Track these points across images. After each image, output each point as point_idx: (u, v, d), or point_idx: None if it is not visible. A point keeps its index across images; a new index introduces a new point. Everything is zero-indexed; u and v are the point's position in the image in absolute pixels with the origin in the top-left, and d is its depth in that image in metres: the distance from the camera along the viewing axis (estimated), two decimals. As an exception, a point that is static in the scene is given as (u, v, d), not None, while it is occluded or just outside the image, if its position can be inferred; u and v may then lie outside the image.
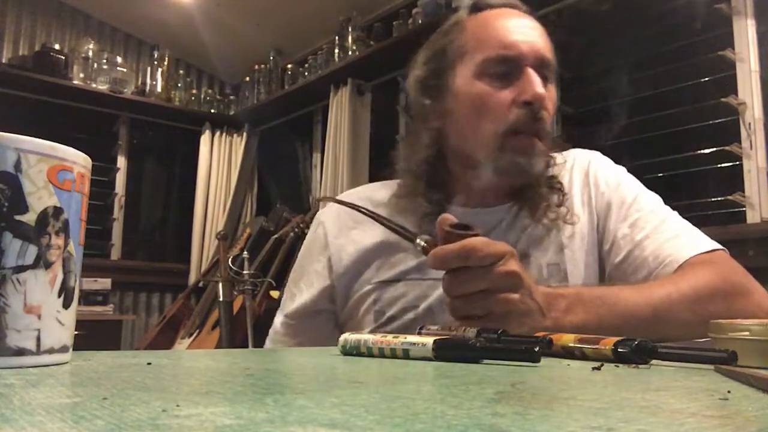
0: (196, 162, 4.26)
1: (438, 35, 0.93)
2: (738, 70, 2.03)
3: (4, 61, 3.73)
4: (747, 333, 0.45)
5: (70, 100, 3.89)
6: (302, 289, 0.93)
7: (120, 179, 4.18)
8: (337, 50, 3.49)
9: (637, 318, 0.70)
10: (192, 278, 4.05)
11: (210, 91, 4.45)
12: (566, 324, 0.66)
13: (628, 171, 0.95)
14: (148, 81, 4.18)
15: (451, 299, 0.64)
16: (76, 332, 0.41)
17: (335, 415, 0.22)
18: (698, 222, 0.86)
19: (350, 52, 3.40)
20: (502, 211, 0.89)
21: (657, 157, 2.16)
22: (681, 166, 2.14)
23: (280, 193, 4.24)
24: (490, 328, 0.55)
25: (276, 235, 3.43)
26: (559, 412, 0.24)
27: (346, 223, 0.93)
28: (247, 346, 2.89)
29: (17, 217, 0.36)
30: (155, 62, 4.19)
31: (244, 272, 3.14)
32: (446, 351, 0.47)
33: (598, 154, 0.96)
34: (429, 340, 0.47)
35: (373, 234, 0.89)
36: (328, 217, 0.96)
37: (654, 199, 0.88)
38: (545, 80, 0.85)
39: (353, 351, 0.51)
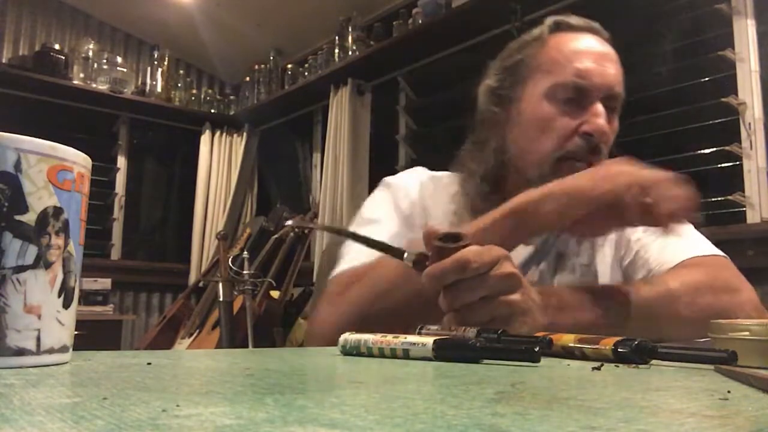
0: (196, 162, 4.27)
1: (515, 47, 0.95)
2: (738, 70, 2.03)
3: (4, 61, 3.73)
4: (747, 333, 0.45)
5: (70, 100, 3.89)
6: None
7: (120, 179, 4.18)
8: (337, 50, 3.49)
9: (626, 313, 0.71)
10: (192, 278, 4.05)
11: (210, 91, 4.45)
12: (561, 321, 0.67)
13: None
14: (148, 81, 4.18)
15: (453, 312, 0.63)
16: (76, 332, 0.41)
17: (335, 415, 0.22)
18: (698, 222, 0.87)
19: (350, 52, 3.40)
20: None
21: (657, 157, 2.16)
22: (681, 166, 2.14)
23: (280, 193, 4.24)
24: (490, 328, 0.55)
25: (276, 235, 3.43)
26: (559, 412, 0.24)
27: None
28: (247, 346, 2.89)
29: (17, 217, 0.36)
30: (155, 62, 4.19)
31: (244, 272, 3.14)
32: (446, 351, 0.47)
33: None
34: (429, 340, 0.47)
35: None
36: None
37: None
38: (612, 111, 0.87)
39: (353, 351, 0.51)
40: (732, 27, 2.06)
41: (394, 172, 1.01)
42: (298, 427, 0.20)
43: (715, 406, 0.27)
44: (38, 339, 0.37)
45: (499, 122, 0.92)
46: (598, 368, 0.43)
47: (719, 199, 2.02)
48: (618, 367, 0.45)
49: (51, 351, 0.38)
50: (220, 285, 3.10)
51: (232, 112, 4.36)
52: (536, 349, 0.43)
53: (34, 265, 0.37)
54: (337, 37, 3.49)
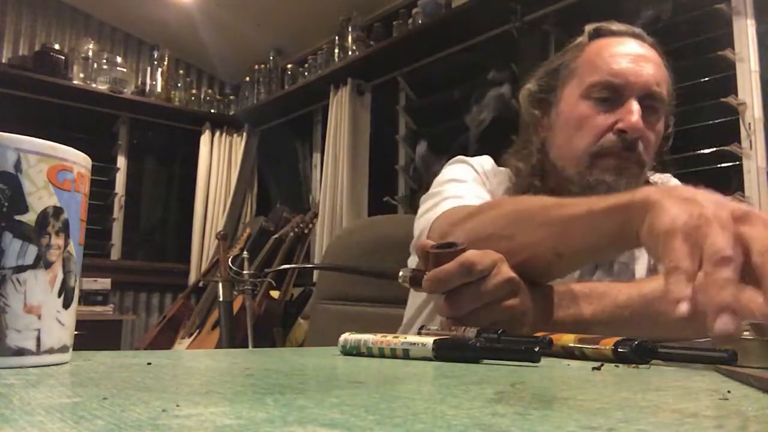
0: (196, 162, 4.27)
1: (557, 54, 1.00)
2: (738, 70, 2.03)
3: (4, 61, 3.73)
4: (746, 333, 0.45)
5: (70, 100, 3.89)
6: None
7: (120, 179, 4.18)
8: (337, 50, 3.49)
9: (629, 309, 0.71)
10: (192, 278, 4.05)
11: (210, 91, 4.45)
12: (560, 318, 0.67)
13: None
14: (148, 81, 4.18)
15: (453, 319, 0.64)
16: (76, 332, 0.41)
17: (335, 415, 0.22)
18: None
19: (350, 52, 3.40)
20: None
21: (657, 156, 2.16)
22: (681, 166, 2.14)
23: (280, 193, 4.24)
24: (490, 328, 0.55)
25: (276, 235, 3.43)
26: (559, 412, 0.24)
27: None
28: (247, 346, 2.89)
29: (17, 217, 0.36)
30: (155, 62, 4.19)
31: (244, 272, 3.14)
32: (446, 351, 0.47)
33: (669, 175, 1.03)
34: (429, 340, 0.47)
35: None
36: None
37: None
38: (652, 111, 0.89)
39: (353, 351, 0.51)
40: (732, 27, 2.06)
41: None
42: (298, 427, 0.20)
43: (715, 406, 0.27)
44: (38, 339, 0.37)
45: (540, 124, 0.96)
46: (598, 368, 0.43)
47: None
48: (618, 367, 0.45)
49: (51, 351, 0.38)
50: (220, 285, 3.10)
51: (232, 112, 4.36)
52: (536, 349, 0.43)
53: (34, 265, 0.37)
54: (337, 37, 3.49)
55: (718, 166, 2.05)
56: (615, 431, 0.20)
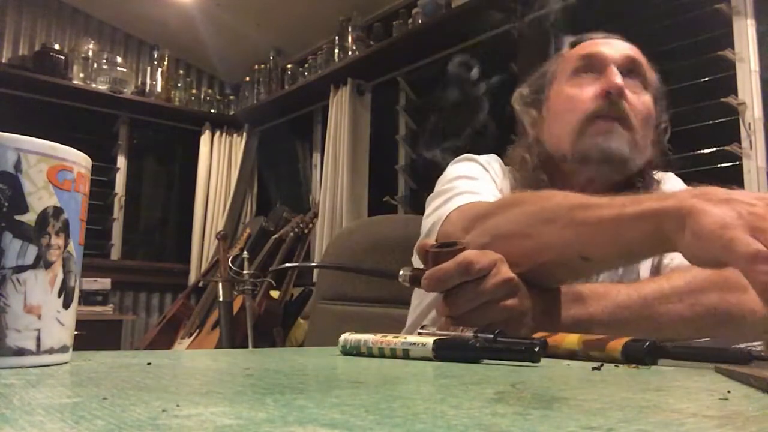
0: (196, 162, 4.27)
1: (544, 64, 1.06)
2: (738, 70, 2.03)
3: (4, 61, 3.73)
4: None
5: (70, 100, 3.89)
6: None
7: (120, 179, 4.18)
8: (337, 50, 3.49)
9: (628, 310, 0.70)
10: (192, 278, 4.05)
11: (210, 91, 4.45)
12: (561, 319, 0.67)
13: None
14: (148, 81, 4.18)
15: (451, 318, 0.63)
16: (76, 332, 0.41)
17: (335, 415, 0.22)
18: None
19: (350, 52, 3.40)
20: None
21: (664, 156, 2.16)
22: (681, 166, 2.14)
23: (280, 193, 4.24)
24: (487, 329, 0.55)
25: (276, 235, 3.43)
26: (559, 412, 0.24)
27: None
28: (247, 346, 2.89)
29: (17, 217, 0.36)
30: (155, 62, 4.19)
31: (244, 272, 3.14)
32: (446, 351, 0.47)
33: (672, 175, 1.06)
34: (429, 340, 0.47)
35: None
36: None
37: None
38: (634, 82, 0.93)
39: (353, 351, 0.51)
40: (732, 27, 2.06)
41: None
42: (298, 427, 0.20)
43: (715, 406, 0.27)
44: (38, 339, 0.37)
45: (535, 121, 1.01)
46: (598, 368, 0.43)
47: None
48: (618, 367, 0.45)
49: (51, 351, 0.38)
50: (220, 285, 3.10)
51: (232, 112, 4.36)
52: (536, 348, 0.43)
53: (34, 265, 0.37)
54: (337, 37, 3.49)
55: (718, 166, 2.05)
56: (615, 431, 0.20)
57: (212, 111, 4.37)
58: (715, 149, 2.05)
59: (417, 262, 0.89)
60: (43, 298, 0.37)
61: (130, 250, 4.21)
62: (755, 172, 1.96)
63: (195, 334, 3.28)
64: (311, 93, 3.70)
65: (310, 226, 3.50)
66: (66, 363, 0.39)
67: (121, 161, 4.20)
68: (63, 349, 0.39)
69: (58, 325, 0.38)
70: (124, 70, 4.03)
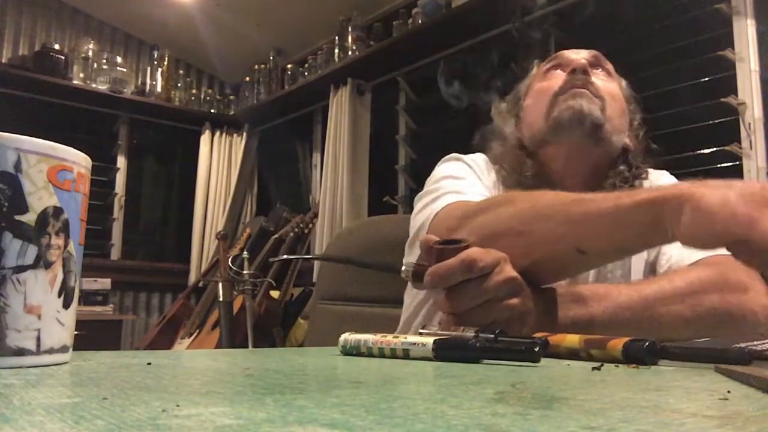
0: (196, 162, 4.27)
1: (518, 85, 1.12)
2: (738, 70, 2.03)
3: (4, 61, 3.73)
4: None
5: (70, 100, 3.89)
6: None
7: (120, 179, 4.18)
8: (337, 50, 3.49)
9: (629, 310, 0.70)
10: (192, 278, 4.05)
11: (210, 91, 4.45)
12: (561, 320, 0.67)
13: None
14: (148, 81, 4.18)
15: (453, 315, 0.63)
16: (76, 332, 0.41)
17: (335, 415, 0.22)
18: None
19: (350, 52, 3.40)
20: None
21: (657, 156, 2.16)
22: (681, 166, 2.14)
23: (280, 193, 4.24)
24: (488, 329, 0.55)
25: (276, 235, 3.43)
26: (559, 412, 0.24)
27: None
28: (247, 346, 2.89)
29: (17, 217, 0.36)
30: (155, 62, 4.19)
31: (244, 272, 3.14)
32: (446, 351, 0.47)
33: (666, 172, 1.06)
34: (429, 340, 0.47)
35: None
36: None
37: None
38: (600, 71, 1.00)
39: (353, 351, 0.51)
40: (732, 27, 2.06)
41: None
42: (298, 427, 0.20)
43: (715, 406, 0.27)
44: (38, 339, 0.37)
45: (512, 129, 1.05)
46: (598, 368, 0.43)
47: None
48: (618, 367, 0.45)
49: (51, 351, 0.38)
50: (220, 285, 3.10)
51: (232, 112, 4.36)
52: (536, 349, 0.43)
53: (34, 265, 0.37)
54: (337, 37, 3.49)
55: (718, 166, 2.05)
56: (615, 431, 0.20)
57: (212, 111, 4.37)
58: (715, 149, 2.05)
59: (408, 260, 0.90)
60: (43, 298, 0.37)
61: (130, 250, 4.21)
62: (755, 172, 1.96)
63: (195, 334, 3.28)
64: (311, 93, 3.70)
65: (310, 226, 3.50)
66: (66, 363, 0.39)
67: (121, 161, 4.20)
68: (63, 349, 0.39)
69: (58, 325, 0.38)
70: (124, 70, 4.03)
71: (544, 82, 1.00)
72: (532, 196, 0.76)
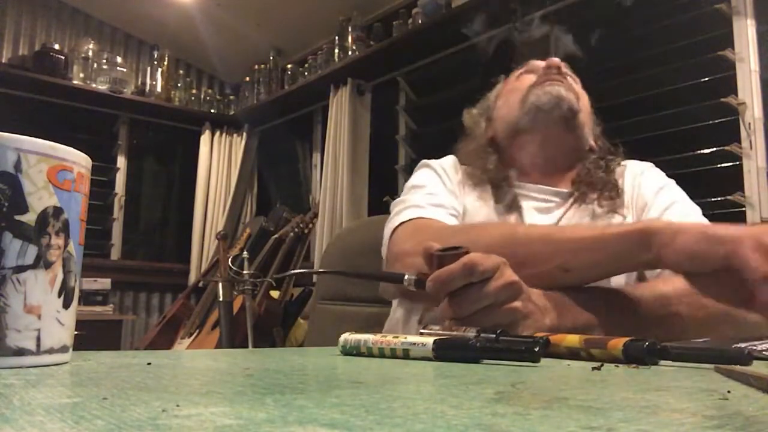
0: (196, 162, 4.27)
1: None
2: (738, 70, 2.03)
3: (4, 61, 3.73)
4: None
5: (70, 100, 3.89)
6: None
7: (120, 179, 4.18)
8: (337, 50, 3.49)
9: (631, 313, 0.71)
10: (192, 278, 4.05)
11: (210, 91, 4.45)
12: (562, 322, 0.67)
13: None
14: (148, 81, 4.18)
15: (455, 321, 0.64)
16: (76, 332, 0.41)
17: (335, 415, 0.22)
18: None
19: (350, 52, 3.40)
20: (566, 193, 0.99)
21: (657, 157, 2.16)
22: (681, 166, 2.14)
23: (280, 193, 4.24)
24: (489, 329, 0.55)
25: (276, 235, 3.43)
26: (559, 412, 0.24)
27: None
28: (247, 346, 2.89)
29: (17, 217, 0.36)
30: (155, 62, 4.19)
31: (244, 272, 3.14)
32: (446, 351, 0.47)
33: (650, 165, 1.08)
34: (429, 340, 0.47)
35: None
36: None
37: (692, 209, 0.96)
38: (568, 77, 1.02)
39: (353, 351, 0.51)
40: (732, 27, 2.06)
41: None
42: (298, 427, 0.20)
43: (715, 406, 0.27)
44: (38, 339, 0.37)
45: (484, 129, 1.09)
46: (598, 368, 0.43)
47: (719, 199, 2.01)
48: (618, 367, 0.45)
49: (51, 351, 0.38)
50: (220, 285, 3.10)
51: (232, 112, 4.36)
52: (536, 349, 0.43)
53: (34, 265, 0.37)
54: (337, 37, 3.49)
55: (718, 166, 2.05)
56: (615, 431, 0.20)
57: (212, 111, 4.37)
58: (715, 149, 2.05)
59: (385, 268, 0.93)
60: (43, 298, 0.37)
61: (130, 250, 4.21)
62: (755, 172, 1.96)
63: (195, 334, 3.28)
64: (311, 93, 3.69)
65: (310, 226, 3.50)
66: (66, 363, 0.39)
67: (121, 161, 4.20)
68: (63, 349, 0.39)
69: (58, 325, 0.38)
70: (124, 70, 4.03)
71: (516, 83, 1.04)
72: (506, 224, 0.81)
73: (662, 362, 0.47)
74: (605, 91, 2.22)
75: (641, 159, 1.10)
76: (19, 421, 0.21)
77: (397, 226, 0.89)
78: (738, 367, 0.39)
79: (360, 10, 3.41)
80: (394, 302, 1.02)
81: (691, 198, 1.01)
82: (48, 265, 0.37)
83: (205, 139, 4.28)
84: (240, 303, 3.08)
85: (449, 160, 1.07)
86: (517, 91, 1.03)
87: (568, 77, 1.02)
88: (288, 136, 4.19)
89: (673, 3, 2.25)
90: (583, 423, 0.22)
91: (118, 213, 4.15)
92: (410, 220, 0.89)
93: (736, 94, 2.00)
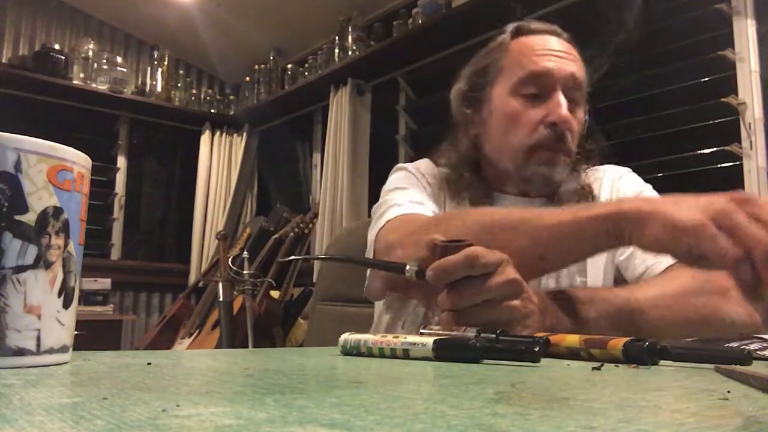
0: (196, 162, 4.27)
1: (482, 53, 1.04)
2: (738, 70, 2.03)
3: (4, 61, 3.73)
4: None
5: (70, 100, 3.89)
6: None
7: (120, 179, 4.18)
8: (337, 50, 3.49)
9: (620, 313, 0.72)
10: (192, 278, 4.05)
11: (210, 91, 4.45)
12: (553, 322, 0.68)
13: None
14: (148, 81, 4.18)
15: (453, 312, 0.64)
16: (76, 332, 0.41)
17: (335, 415, 0.22)
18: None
19: (350, 52, 3.40)
20: (541, 204, 0.97)
21: (657, 157, 2.16)
22: (681, 166, 2.14)
23: (280, 193, 4.24)
24: (489, 328, 0.55)
25: (276, 235, 3.43)
26: (559, 412, 0.24)
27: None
28: (247, 346, 2.89)
29: (17, 217, 0.36)
30: (155, 62, 4.19)
31: (244, 272, 3.14)
32: (446, 351, 0.47)
33: (628, 170, 1.05)
34: (429, 340, 0.47)
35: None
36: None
37: None
38: (574, 103, 0.94)
39: (353, 351, 0.51)
40: (732, 27, 2.06)
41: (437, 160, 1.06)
42: (298, 427, 0.20)
43: (715, 406, 0.27)
44: (38, 339, 0.37)
45: (472, 122, 1.02)
46: (598, 368, 0.43)
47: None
48: (618, 367, 0.45)
49: (51, 351, 0.38)
50: (220, 285, 3.10)
51: (232, 112, 4.36)
52: (536, 349, 0.43)
53: (34, 265, 0.37)
54: (337, 37, 3.49)
55: (718, 166, 2.05)
56: (615, 431, 0.20)
57: (212, 111, 4.37)
58: (715, 149, 2.05)
59: (371, 281, 0.92)
60: (43, 298, 0.37)
61: (130, 250, 4.21)
62: (755, 172, 1.96)
63: (195, 334, 3.28)
64: (311, 93, 3.69)
65: (310, 226, 3.50)
66: (66, 363, 0.39)
67: (121, 161, 4.20)
68: (63, 349, 0.39)
69: (58, 325, 0.38)
70: (124, 70, 4.03)
71: (519, 106, 0.94)
72: (483, 212, 0.81)
73: (662, 362, 0.47)
74: (605, 91, 2.22)
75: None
76: (19, 421, 0.21)
77: (380, 229, 0.89)
78: (738, 367, 0.39)
79: (360, 10, 3.41)
80: (379, 305, 1.01)
81: (692, 198, 1.01)
82: (48, 265, 0.37)
83: (205, 139, 4.28)
84: (240, 303, 3.08)
85: (425, 164, 1.06)
86: (513, 134, 0.94)
87: (572, 112, 0.93)
88: (288, 136, 4.19)
89: (673, 3, 2.25)
90: (583, 423, 0.22)
91: (118, 213, 4.15)
92: (392, 219, 0.89)
93: (736, 94, 2.00)
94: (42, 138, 0.38)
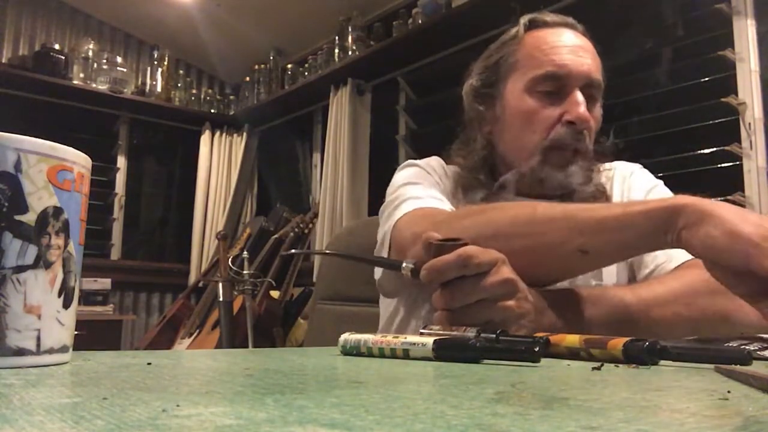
0: (196, 162, 4.27)
1: (494, 47, 0.99)
2: (738, 70, 2.03)
3: (4, 61, 3.73)
4: None
5: (70, 100, 3.89)
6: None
7: (120, 179, 4.18)
8: (337, 50, 3.49)
9: (625, 312, 0.71)
10: (192, 278, 4.05)
11: (210, 91, 4.45)
12: (557, 321, 0.67)
13: None
14: (148, 81, 4.18)
15: (447, 312, 0.63)
16: (76, 332, 0.41)
17: (335, 415, 0.22)
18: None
19: (350, 52, 3.40)
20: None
21: (657, 157, 2.16)
22: (681, 166, 2.14)
23: (280, 193, 4.24)
24: (489, 329, 0.55)
25: (276, 235, 3.43)
26: (559, 412, 0.24)
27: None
28: (247, 346, 2.89)
29: (17, 217, 0.36)
30: (155, 62, 4.19)
31: (244, 272, 3.14)
32: (446, 351, 0.47)
33: (639, 166, 1.03)
34: (429, 340, 0.47)
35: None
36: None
37: None
38: (592, 100, 0.90)
39: (353, 351, 0.51)
40: (732, 27, 2.06)
41: (394, 172, 1.02)
42: (298, 427, 0.20)
43: (715, 406, 0.27)
44: (38, 339, 0.37)
45: (485, 119, 0.97)
46: (598, 368, 0.43)
47: (719, 199, 2.01)
48: (618, 367, 0.45)
49: (51, 351, 0.38)
50: (220, 285, 3.10)
51: (232, 112, 4.36)
52: (536, 349, 0.43)
53: (34, 265, 0.37)
54: (337, 37, 3.49)
55: (718, 166, 2.05)
56: (615, 431, 0.20)
57: (212, 111, 4.37)
58: (715, 149, 2.05)
59: (378, 277, 0.90)
60: (43, 298, 0.37)
61: (130, 250, 4.21)
62: (755, 172, 1.96)
63: (195, 334, 3.28)
64: (311, 93, 3.70)
65: (310, 226, 3.50)
66: (66, 363, 0.39)
67: (121, 161, 4.20)
68: (63, 349, 0.39)
69: (58, 325, 0.38)
70: (124, 70, 4.03)
71: (534, 103, 0.90)
72: (525, 204, 0.76)
73: (662, 362, 0.47)
74: (605, 91, 2.21)
75: (641, 159, 1.09)
76: (19, 421, 0.21)
77: (398, 220, 0.83)
78: (738, 367, 0.39)
79: (360, 10, 3.41)
80: (385, 302, 0.98)
81: (692, 198, 1.00)
82: (48, 265, 0.37)
83: (205, 139, 4.28)
84: (240, 303, 3.08)
85: (436, 162, 1.02)
86: (528, 131, 0.90)
87: (589, 128, 0.89)
88: (288, 136, 4.19)
89: (673, 3, 2.26)
90: (583, 423, 0.22)
91: (118, 213, 4.15)
92: (412, 210, 0.84)
93: (736, 94, 2.00)
94: (42, 138, 0.38)
